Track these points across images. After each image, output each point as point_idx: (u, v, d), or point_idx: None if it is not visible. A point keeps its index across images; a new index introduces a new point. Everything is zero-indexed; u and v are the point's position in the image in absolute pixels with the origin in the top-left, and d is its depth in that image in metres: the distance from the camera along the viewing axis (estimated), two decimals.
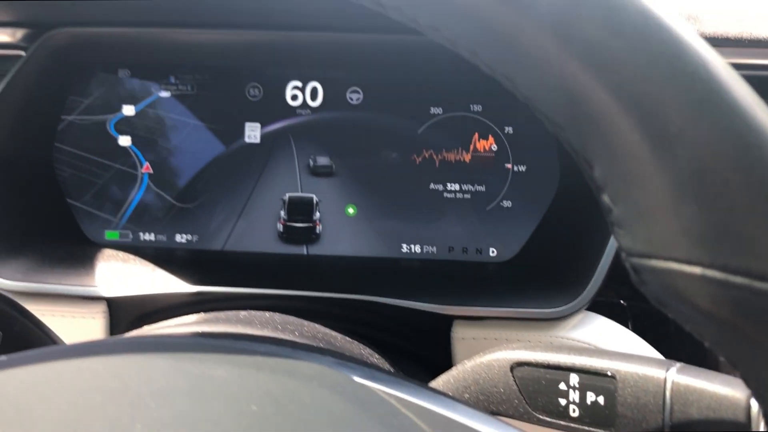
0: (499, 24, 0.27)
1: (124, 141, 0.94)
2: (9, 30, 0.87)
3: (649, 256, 0.27)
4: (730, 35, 0.75)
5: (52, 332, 0.67)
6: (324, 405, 0.34)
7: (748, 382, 0.27)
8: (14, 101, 0.86)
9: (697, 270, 0.25)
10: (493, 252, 0.92)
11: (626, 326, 0.79)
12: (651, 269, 0.27)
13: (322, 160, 0.92)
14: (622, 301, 0.91)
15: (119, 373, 0.36)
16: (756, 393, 0.27)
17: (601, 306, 0.80)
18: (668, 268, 0.26)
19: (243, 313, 0.65)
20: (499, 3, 0.26)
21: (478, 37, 0.28)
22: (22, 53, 0.86)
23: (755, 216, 0.24)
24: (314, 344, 0.60)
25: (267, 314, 0.66)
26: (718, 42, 0.75)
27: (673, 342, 0.80)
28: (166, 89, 0.94)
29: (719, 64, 0.25)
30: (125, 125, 0.94)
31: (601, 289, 0.75)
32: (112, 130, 0.93)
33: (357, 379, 0.37)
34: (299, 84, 0.93)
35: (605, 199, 0.28)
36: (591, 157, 0.28)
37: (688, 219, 0.25)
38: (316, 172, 0.92)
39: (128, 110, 0.94)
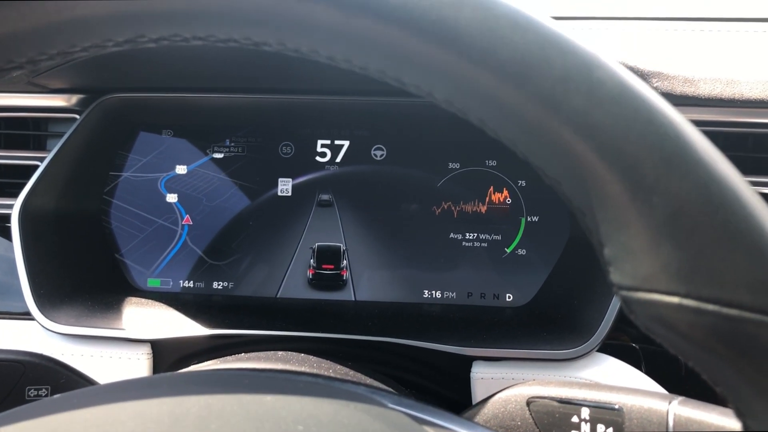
0: (501, 97, 0.31)
1: (171, 198, 1.01)
2: (65, 96, 0.96)
3: (636, 289, 0.31)
4: (723, 96, 0.81)
5: (94, 381, 0.72)
6: (362, 426, 0.38)
7: (729, 397, 0.31)
8: (67, 160, 0.93)
9: (675, 300, 0.29)
10: (509, 297, 0.97)
11: (639, 368, 0.82)
12: (637, 300, 0.31)
13: (324, 196, 1.00)
14: (634, 345, 0.94)
15: (183, 400, 0.41)
16: (736, 408, 0.31)
17: (614, 349, 0.84)
18: (651, 299, 0.30)
19: (281, 353, 0.70)
20: (500, 81, 0.31)
21: (484, 108, 0.33)
22: (76, 116, 0.94)
23: (721, 252, 0.28)
24: (348, 379, 0.65)
25: (302, 355, 0.71)
26: (712, 102, 0.81)
27: (685, 382, 0.83)
28: (219, 151, 1.02)
29: (685, 126, 0.30)
30: (174, 183, 1.02)
31: (612, 332, 0.79)
32: (162, 188, 1.01)
33: (388, 403, 0.42)
34: (327, 142, 1.01)
35: (596, 241, 0.32)
36: (583, 205, 0.32)
37: (666, 256, 0.29)
38: (321, 204, 1.00)
39: (181, 169, 1.02)
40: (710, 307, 0.28)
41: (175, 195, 1.01)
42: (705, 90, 0.81)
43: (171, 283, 1.00)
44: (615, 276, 0.32)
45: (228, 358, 0.74)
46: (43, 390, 0.68)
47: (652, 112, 0.30)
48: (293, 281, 0.99)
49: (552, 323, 0.88)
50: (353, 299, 0.98)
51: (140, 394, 0.42)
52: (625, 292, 0.31)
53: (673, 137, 0.29)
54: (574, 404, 0.59)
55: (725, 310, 0.28)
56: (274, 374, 0.47)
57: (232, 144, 1.01)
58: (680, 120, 0.30)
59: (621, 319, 0.80)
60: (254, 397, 0.41)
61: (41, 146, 1.00)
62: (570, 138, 0.30)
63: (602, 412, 0.58)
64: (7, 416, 0.39)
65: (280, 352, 0.71)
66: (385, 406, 0.41)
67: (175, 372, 0.70)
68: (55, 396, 0.44)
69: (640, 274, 0.30)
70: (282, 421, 0.38)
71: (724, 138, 0.85)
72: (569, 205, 0.33)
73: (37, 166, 0.90)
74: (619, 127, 0.29)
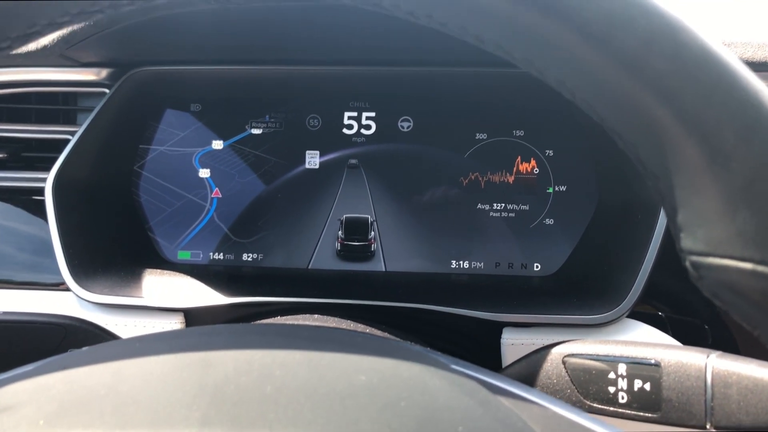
0: (583, 57, 0.31)
1: (204, 173, 1.02)
2: (95, 70, 0.97)
3: (708, 255, 0.31)
4: (755, 60, 0.80)
5: None
6: (421, 378, 0.38)
7: None
8: (98, 133, 0.94)
9: (749, 266, 0.29)
10: (537, 267, 0.97)
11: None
12: (708, 266, 0.31)
13: (352, 160, 1.01)
14: (660, 314, 0.94)
15: (247, 350, 0.41)
16: None
17: (641, 317, 0.84)
18: (724, 265, 0.30)
19: (317, 315, 0.71)
20: (583, 40, 0.31)
21: (565, 69, 0.33)
22: (106, 90, 0.95)
23: None
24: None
25: (339, 318, 0.72)
26: None
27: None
28: (258, 127, 1.03)
29: (767, 93, 0.30)
30: (209, 158, 1.03)
31: (641, 301, 0.80)
32: (196, 163, 1.02)
33: (444, 360, 0.42)
34: (354, 114, 1.01)
35: (669, 207, 0.32)
36: (658, 170, 0.32)
37: (742, 222, 0.29)
38: (349, 167, 1.01)
39: (217, 144, 1.03)
40: None
41: (208, 170, 1.02)
42: (736, 54, 0.80)
43: (201, 255, 1.01)
44: (686, 241, 0.32)
45: (268, 320, 0.75)
46: None
47: (735, 78, 0.29)
48: (324, 253, 1.00)
49: (581, 290, 0.88)
50: (382, 269, 0.99)
51: (203, 341, 0.43)
52: (695, 258, 0.32)
53: (754, 104, 0.29)
54: (611, 360, 0.59)
55: None
56: (330, 330, 0.47)
57: (271, 120, 1.02)
58: (762, 87, 0.30)
59: (646, 290, 0.80)
60: (317, 347, 0.41)
61: (71, 121, 1.00)
62: (650, 101, 0.30)
63: (639, 368, 0.58)
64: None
65: (316, 315, 0.72)
66: (446, 366, 0.41)
67: (236, 324, 0.71)
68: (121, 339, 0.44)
69: (714, 240, 0.30)
70: (344, 371, 0.38)
71: None
72: (642, 170, 0.33)
73: (67, 140, 0.92)
74: (701, 91, 0.29)
